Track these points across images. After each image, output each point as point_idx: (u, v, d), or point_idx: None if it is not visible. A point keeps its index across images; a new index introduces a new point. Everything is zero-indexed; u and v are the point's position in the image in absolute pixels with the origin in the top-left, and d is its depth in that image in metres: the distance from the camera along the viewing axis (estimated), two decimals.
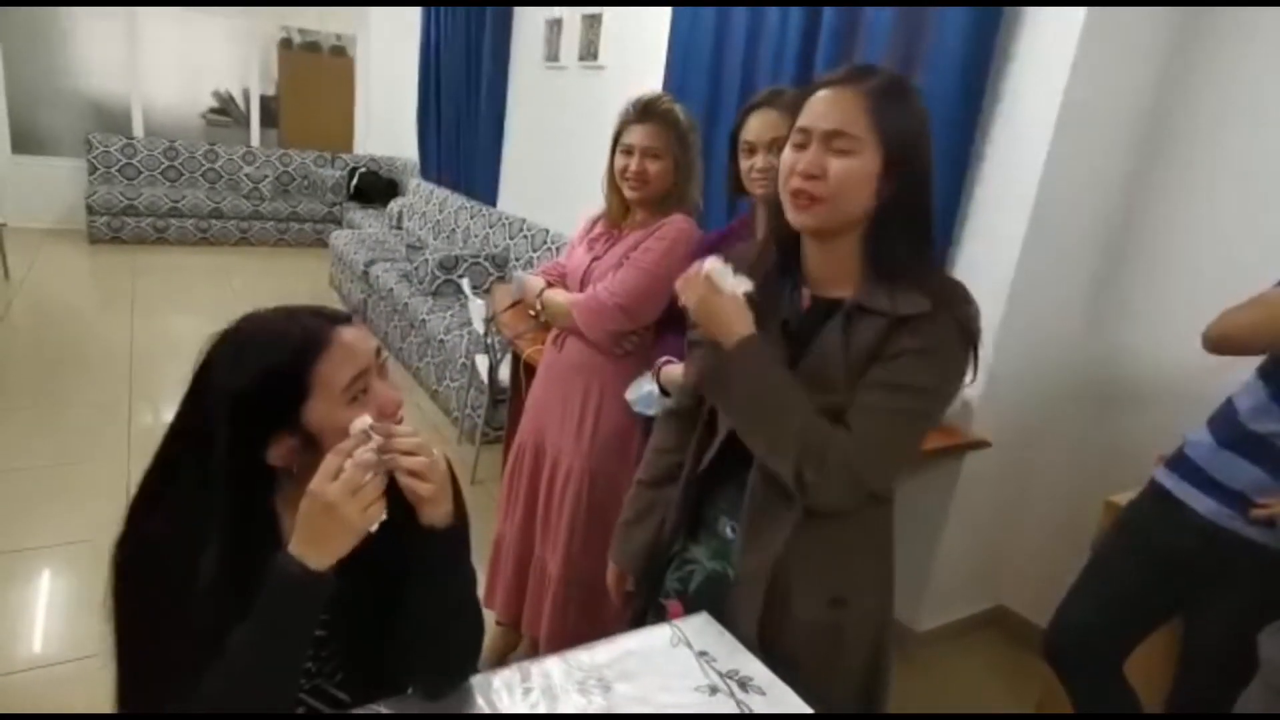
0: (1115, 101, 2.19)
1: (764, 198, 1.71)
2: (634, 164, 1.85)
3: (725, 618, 1.26)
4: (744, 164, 1.70)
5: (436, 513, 0.95)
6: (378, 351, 1.00)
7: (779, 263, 1.21)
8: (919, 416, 1.12)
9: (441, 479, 0.94)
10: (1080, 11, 2.00)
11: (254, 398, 0.90)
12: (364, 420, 0.90)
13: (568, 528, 2.00)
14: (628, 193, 1.90)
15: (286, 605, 0.87)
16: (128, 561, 0.94)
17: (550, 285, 2.05)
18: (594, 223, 2.07)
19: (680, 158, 1.87)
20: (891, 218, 1.08)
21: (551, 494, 2.05)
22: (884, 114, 1.04)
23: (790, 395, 1.10)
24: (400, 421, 0.97)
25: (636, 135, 1.85)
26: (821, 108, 1.08)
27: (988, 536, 2.60)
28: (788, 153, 1.12)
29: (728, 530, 1.30)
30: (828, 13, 2.44)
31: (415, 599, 1.00)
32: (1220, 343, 1.55)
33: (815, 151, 1.07)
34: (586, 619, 2.01)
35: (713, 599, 1.31)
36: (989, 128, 2.22)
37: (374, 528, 0.88)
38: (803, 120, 1.10)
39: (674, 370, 1.74)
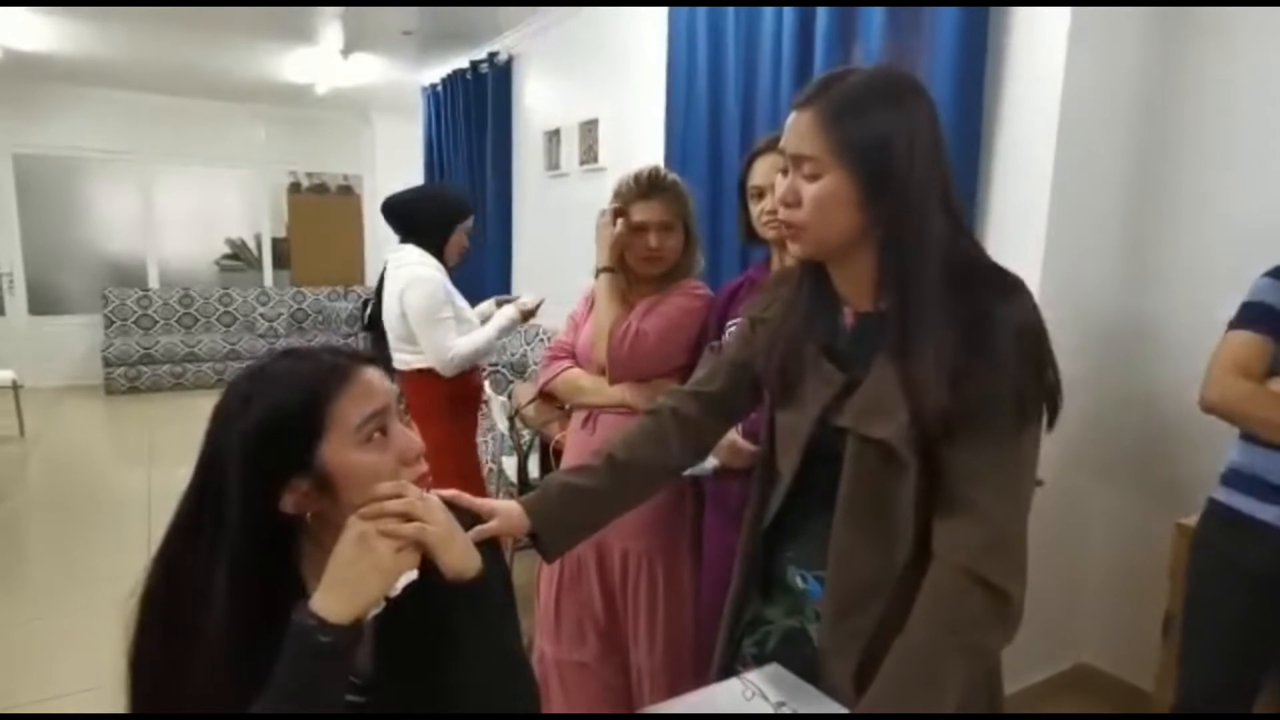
0: (1114, 83, 2.21)
1: (776, 240, 1.72)
2: (651, 240, 1.81)
3: (810, 677, 1.15)
4: (753, 209, 1.73)
5: (453, 559, 0.88)
6: (399, 397, 0.96)
7: (812, 285, 1.17)
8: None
9: (437, 517, 0.88)
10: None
11: (267, 435, 0.85)
12: (386, 486, 0.86)
13: (647, 613, 1.87)
14: (645, 270, 1.86)
15: (307, 663, 0.79)
16: (141, 627, 0.88)
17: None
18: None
19: (690, 227, 1.88)
20: (888, 235, 1.01)
21: (608, 587, 1.90)
22: (841, 130, 0.98)
23: (923, 670, 0.97)
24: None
25: (647, 211, 1.81)
26: (788, 131, 1.05)
27: (1054, 584, 2.44)
28: (777, 180, 1.09)
29: (798, 580, 1.20)
30: (819, 59, 2.52)
31: (460, 662, 0.91)
32: (1228, 418, 1.54)
33: (791, 177, 1.04)
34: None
35: (792, 658, 1.20)
36: (995, 128, 2.22)
37: (400, 586, 0.84)
38: (781, 143, 1.07)
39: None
